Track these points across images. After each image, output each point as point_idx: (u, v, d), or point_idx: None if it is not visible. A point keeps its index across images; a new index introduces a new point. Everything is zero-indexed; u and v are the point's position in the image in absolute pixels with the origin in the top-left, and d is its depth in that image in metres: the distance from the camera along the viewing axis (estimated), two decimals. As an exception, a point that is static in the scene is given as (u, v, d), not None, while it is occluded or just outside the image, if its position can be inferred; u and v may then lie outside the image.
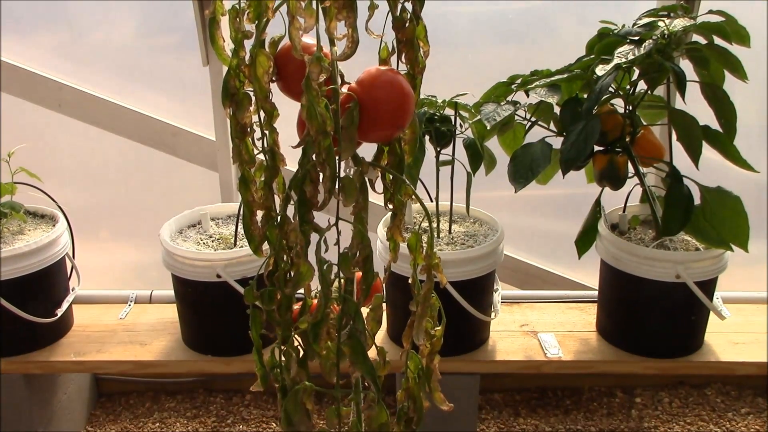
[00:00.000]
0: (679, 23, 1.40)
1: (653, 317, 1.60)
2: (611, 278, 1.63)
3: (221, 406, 2.12)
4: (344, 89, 0.85)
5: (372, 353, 0.89)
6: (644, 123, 1.60)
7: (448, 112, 1.57)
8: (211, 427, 2.04)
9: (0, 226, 1.68)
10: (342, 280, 0.87)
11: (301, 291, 0.92)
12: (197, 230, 1.74)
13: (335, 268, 0.87)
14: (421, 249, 0.95)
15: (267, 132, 0.89)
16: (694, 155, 1.42)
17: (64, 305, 1.71)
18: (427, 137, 1.55)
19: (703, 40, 1.46)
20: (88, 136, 2.08)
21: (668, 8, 1.48)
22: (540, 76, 1.54)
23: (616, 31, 1.47)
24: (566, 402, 2.11)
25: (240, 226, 1.70)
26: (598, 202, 1.66)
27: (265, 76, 0.85)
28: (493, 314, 1.66)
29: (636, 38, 1.43)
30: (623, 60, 1.38)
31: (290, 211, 0.87)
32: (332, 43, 0.81)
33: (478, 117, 1.50)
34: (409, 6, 0.87)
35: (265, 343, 0.98)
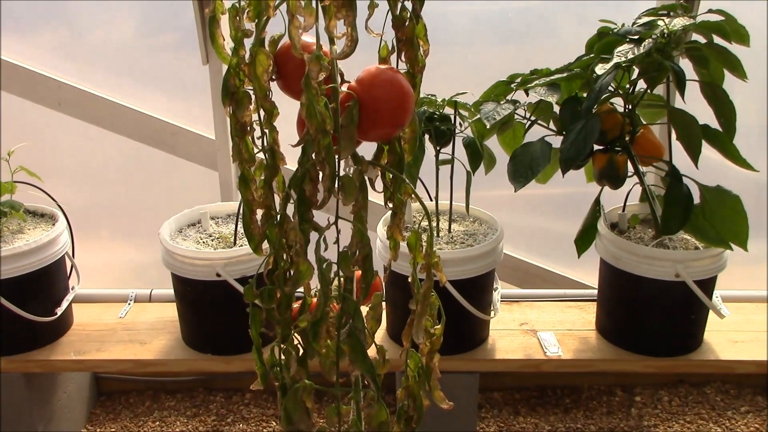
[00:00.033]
0: (679, 22, 1.40)
1: (653, 316, 1.60)
2: (611, 277, 1.64)
3: (221, 405, 2.12)
4: (344, 88, 0.85)
5: (371, 352, 0.90)
6: (644, 122, 1.60)
7: (448, 111, 1.57)
8: (211, 426, 2.04)
9: (0, 224, 1.68)
10: (341, 279, 0.88)
11: (301, 289, 0.92)
12: (197, 229, 1.74)
13: (335, 267, 0.87)
14: (420, 248, 0.96)
15: (267, 131, 0.89)
16: (694, 154, 1.42)
17: (64, 304, 1.71)
18: (426, 136, 1.55)
19: (702, 39, 1.46)
20: (87, 135, 2.08)
21: (668, 7, 1.48)
22: (539, 75, 1.54)
23: (615, 30, 1.47)
24: (566, 401, 2.12)
25: (240, 225, 1.70)
26: (597, 201, 1.67)
27: (265, 75, 0.85)
28: (492, 313, 1.66)
29: (635, 37, 1.43)
30: (623, 59, 1.38)
31: (290, 209, 0.87)
32: (332, 42, 0.81)
33: (478, 116, 1.50)
34: (408, 5, 0.87)
35: (265, 342, 0.98)
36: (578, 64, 1.51)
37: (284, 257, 0.89)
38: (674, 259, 1.51)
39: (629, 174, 1.53)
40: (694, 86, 1.43)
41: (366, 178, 0.86)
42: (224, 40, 0.90)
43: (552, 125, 1.57)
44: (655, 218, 1.56)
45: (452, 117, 1.57)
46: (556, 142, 1.50)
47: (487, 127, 1.47)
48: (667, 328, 1.61)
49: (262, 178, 0.91)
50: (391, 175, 0.92)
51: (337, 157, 0.82)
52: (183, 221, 1.75)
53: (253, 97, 0.88)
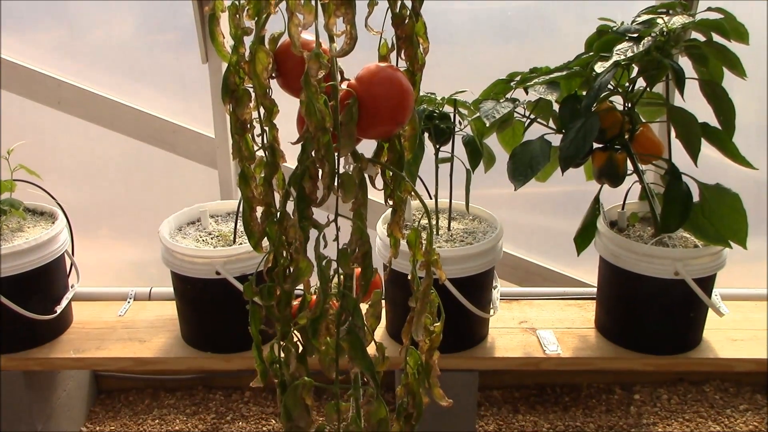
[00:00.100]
0: (678, 20, 1.40)
1: (652, 314, 1.60)
2: (610, 275, 1.64)
3: (220, 403, 2.12)
4: (343, 86, 0.85)
5: (371, 349, 0.90)
6: (643, 120, 1.60)
7: (448, 109, 1.57)
8: (211, 424, 2.04)
9: (0, 223, 1.68)
10: (341, 276, 0.88)
11: (301, 287, 0.92)
12: (196, 227, 1.74)
13: (334, 264, 0.87)
14: (420, 245, 0.96)
15: (267, 128, 0.89)
16: (693, 152, 1.42)
17: (64, 302, 1.71)
18: (426, 134, 1.56)
19: (701, 38, 1.46)
20: (87, 134, 2.08)
21: (667, 5, 1.48)
22: (539, 74, 1.54)
23: (615, 29, 1.47)
24: (565, 399, 2.12)
25: (239, 223, 1.71)
26: (597, 200, 1.67)
27: (265, 73, 0.85)
28: (492, 311, 1.66)
29: (635, 35, 1.43)
30: (622, 57, 1.38)
31: (290, 207, 0.87)
32: (331, 40, 0.81)
33: (477, 114, 1.50)
34: (408, 3, 0.87)
35: (265, 340, 0.98)
36: (578, 62, 1.51)
37: (284, 254, 0.89)
38: (673, 257, 1.52)
39: (628, 172, 1.53)
40: (694, 84, 1.43)
41: (366, 175, 0.86)
42: (224, 38, 0.90)
43: (551, 123, 1.57)
44: (654, 216, 1.56)
45: (452, 115, 1.57)
46: (556, 140, 1.50)
47: (487, 125, 1.47)
48: (666, 326, 1.61)
49: (262, 175, 0.91)
50: (391, 173, 0.92)
51: (336, 154, 0.82)
52: (183, 219, 1.75)
53: (252, 94, 0.88)
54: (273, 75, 0.88)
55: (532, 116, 1.57)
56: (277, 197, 0.91)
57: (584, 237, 1.68)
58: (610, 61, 1.39)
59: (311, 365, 0.92)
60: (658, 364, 1.63)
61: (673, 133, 1.48)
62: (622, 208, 1.70)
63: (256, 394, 2.15)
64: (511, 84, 1.55)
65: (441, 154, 1.59)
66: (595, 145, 1.50)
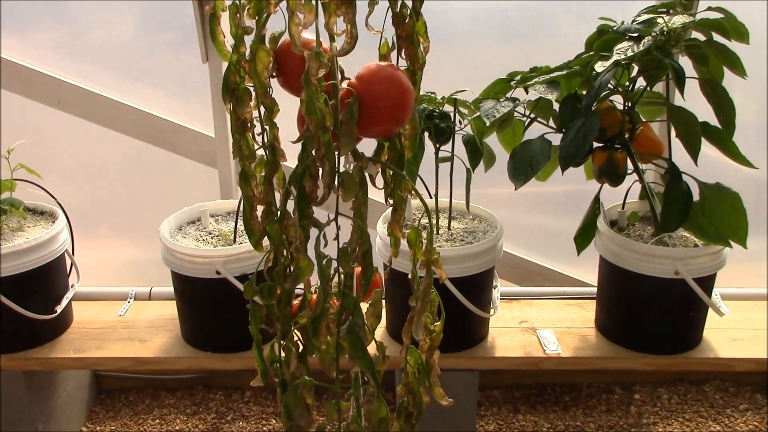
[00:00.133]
0: (678, 20, 1.40)
1: (652, 314, 1.60)
2: (610, 275, 1.64)
3: (221, 403, 2.12)
4: (344, 85, 0.85)
5: (371, 348, 0.90)
6: (643, 119, 1.60)
7: (448, 108, 1.57)
8: (211, 424, 2.04)
9: (0, 222, 1.68)
10: (341, 275, 0.88)
11: (301, 286, 0.92)
12: (197, 227, 1.74)
13: (335, 263, 0.87)
14: (420, 244, 0.96)
15: (267, 127, 0.89)
16: (693, 152, 1.42)
17: (64, 302, 1.71)
18: (426, 134, 1.56)
19: (702, 37, 1.46)
20: (87, 134, 2.08)
21: (667, 5, 1.48)
22: (539, 73, 1.54)
23: (615, 28, 1.47)
24: (565, 398, 2.12)
25: (239, 222, 1.71)
26: (597, 199, 1.67)
27: (265, 72, 0.85)
28: (492, 311, 1.66)
29: (635, 35, 1.43)
30: (622, 57, 1.38)
31: (290, 206, 0.87)
32: (332, 39, 0.81)
33: (478, 113, 1.50)
34: (409, 2, 0.87)
35: (265, 339, 0.98)
36: (578, 61, 1.51)
37: (284, 253, 0.89)
38: (673, 257, 1.52)
39: (629, 171, 1.53)
40: (694, 84, 1.43)
41: (366, 174, 0.86)
42: (224, 37, 0.90)
43: (552, 123, 1.57)
44: (654, 215, 1.56)
45: (452, 115, 1.57)
46: (556, 139, 1.50)
47: (487, 124, 1.47)
48: (666, 325, 1.61)
49: (263, 174, 0.91)
50: (391, 172, 0.92)
51: (336, 153, 0.82)
52: (183, 219, 1.75)
53: (253, 93, 0.88)
54: (273, 74, 0.88)
55: (532, 115, 1.57)
56: (278, 196, 0.91)
57: (584, 236, 1.68)
58: (611, 61, 1.39)
59: (312, 364, 0.92)
60: (659, 364, 1.64)
61: (673, 133, 1.48)
62: (622, 208, 1.70)
63: (257, 394, 2.15)
64: (511, 83, 1.56)
65: (441, 154, 1.59)
66: (595, 145, 1.50)
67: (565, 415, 2.05)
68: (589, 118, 1.43)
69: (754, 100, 1.94)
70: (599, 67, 1.41)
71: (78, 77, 2.02)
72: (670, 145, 1.55)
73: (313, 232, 0.86)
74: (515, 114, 1.55)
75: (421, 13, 0.88)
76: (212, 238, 1.68)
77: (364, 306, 0.90)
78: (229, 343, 1.66)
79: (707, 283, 1.57)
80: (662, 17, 1.43)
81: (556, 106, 1.53)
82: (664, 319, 1.60)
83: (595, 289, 1.75)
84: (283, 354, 0.93)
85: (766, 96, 1.92)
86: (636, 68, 1.48)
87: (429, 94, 1.57)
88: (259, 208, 0.94)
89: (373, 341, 0.92)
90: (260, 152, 0.92)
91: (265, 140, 0.90)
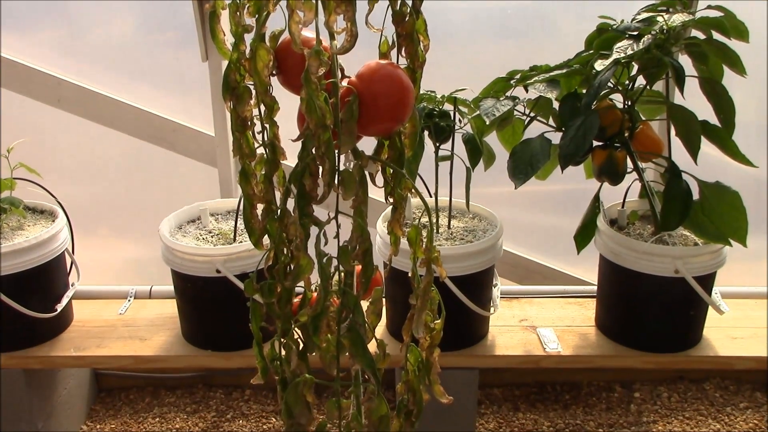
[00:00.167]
0: (678, 18, 1.40)
1: (652, 312, 1.60)
2: (610, 273, 1.64)
3: (221, 401, 2.12)
4: (344, 83, 0.86)
5: (372, 346, 0.90)
6: (643, 118, 1.60)
7: (447, 107, 1.57)
8: (211, 422, 2.04)
9: (0, 221, 1.68)
10: (342, 274, 0.88)
11: (301, 284, 0.92)
12: (196, 226, 1.74)
13: (335, 261, 0.88)
14: (420, 243, 0.96)
15: (267, 125, 0.89)
16: (693, 150, 1.42)
17: (64, 300, 1.71)
18: (426, 132, 1.56)
19: (701, 36, 1.46)
20: (87, 133, 2.08)
21: (667, 3, 1.48)
22: (539, 72, 1.54)
23: (614, 27, 1.47)
24: (565, 397, 2.12)
25: (239, 221, 1.71)
26: (597, 198, 1.67)
27: (266, 70, 0.85)
28: (492, 309, 1.66)
29: (635, 33, 1.43)
30: (622, 55, 1.38)
31: (290, 204, 0.87)
32: (332, 37, 0.81)
33: (477, 112, 1.50)
34: (409, 0, 0.87)
35: (265, 337, 0.98)
36: (577, 60, 1.51)
37: (284, 252, 0.89)
38: (673, 255, 1.52)
39: (628, 170, 1.53)
40: (694, 82, 1.43)
41: (366, 172, 0.86)
42: (224, 35, 0.90)
43: (551, 121, 1.57)
44: (654, 214, 1.56)
45: (452, 113, 1.57)
46: (556, 138, 1.50)
47: (487, 123, 1.47)
48: (666, 324, 1.61)
49: (263, 172, 0.91)
50: (391, 170, 0.92)
51: (337, 151, 0.82)
52: (183, 218, 1.75)
53: (253, 92, 0.88)
54: (274, 72, 0.88)
55: (532, 114, 1.57)
56: (278, 194, 0.91)
57: (584, 235, 1.68)
58: (610, 59, 1.39)
59: (312, 362, 0.92)
60: (658, 362, 1.64)
61: (673, 131, 1.48)
62: (622, 206, 1.70)
63: (257, 393, 2.15)
64: (511, 82, 1.56)
65: (441, 152, 1.59)
66: (595, 143, 1.50)
67: (565, 413, 2.05)
68: (588, 117, 1.43)
69: (754, 99, 1.94)
70: (599, 65, 1.41)
71: (78, 76, 2.02)
72: (670, 144, 1.55)
73: (314, 230, 0.86)
74: (515, 113, 1.55)
75: (421, 12, 0.88)
76: (212, 236, 1.68)
77: (364, 304, 0.90)
78: (229, 341, 1.66)
79: (707, 281, 1.57)
80: (662, 16, 1.43)
81: (555, 104, 1.53)
82: (664, 317, 1.61)
83: (595, 288, 1.75)
84: (283, 352, 0.94)
85: (766, 95, 1.92)
86: (636, 67, 1.49)
87: (429, 92, 1.57)
88: (260, 207, 0.94)
89: (374, 339, 0.92)
90: (260, 150, 0.92)
91: (266, 138, 0.90)
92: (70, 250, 1.78)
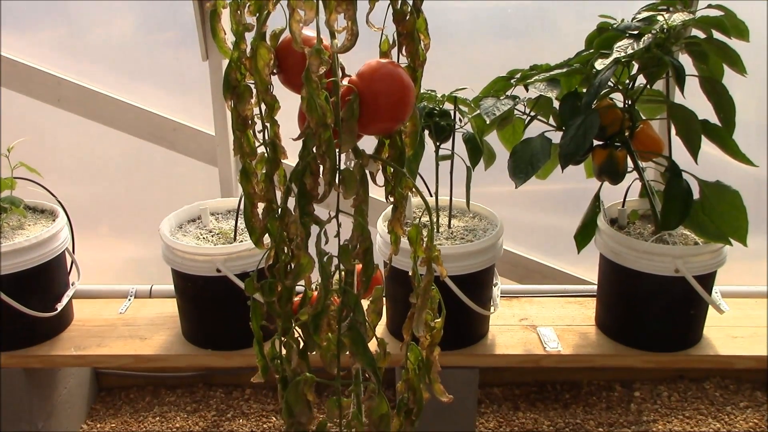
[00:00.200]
0: (678, 17, 1.40)
1: (652, 311, 1.60)
2: (610, 272, 1.64)
3: (221, 401, 2.12)
4: (345, 82, 0.86)
5: (372, 345, 0.90)
6: (643, 117, 1.60)
7: (448, 106, 1.57)
8: (211, 422, 2.04)
9: (0, 221, 1.68)
10: (342, 272, 0.88)
11: (302, 283, 0.92)
12: (197, 225, 1.74)
13: (335, 260, 0.88)
14: (421, 242, 0.96)
15: (268, 124, 0.89)
16: (693, 149, 1.42)
17: (64, 300, 1.71)
18: (426, 132, 1.56)
19: (702, 35, 1.46)
20: (87, 132, 2.08)
21: (667, 2, 1.48)
22: (539, 71, 1.54)
23: (615, 26, 1.47)
24: (565, 396, 2.12)
25: (240, 220, 1.71)
26: (597, 197, 1.67)
27: (266, 69, 0.85)
28: (492, 308, 1.66)
29: (635, 32, 1.43)
30: (622, 54, 1.38)
31: (291, 203, 0.87)
32: (332, 36, 0.81)
33: (478, 111, 1.50)
34: (409, -1, 0.87)
35: (266, 336, 0.98)
36: (578, 59, 1.51)
37: (285, 250, 0.89)
38: (674, 255, 1.52)
39: (629, 169, 1.53)
40: (694, 81, 1.43)
41: (367, 171, 0.86)
42: (225, 34, 0.90)
43: (552, 121, 1.57)
44: (654, 214, 1.56)
45: (452, 113, 1.57)
46: (556, 137, 1.50)
47: (487, 122, 1.47)
48: (666, 323, 1.62)
49: (264, 171, 0.91)
50: (392, 169, 0.92)
51: (337, 150, 0.82)
52: (183, 217, 1.75)
53: (254, 90, 0.88)
54: (274, 71, 0.88)
55: (533, 113, 1.57)
56: (279, 193, 0.91)
57: (584, 234, 1.68)
58: (611, 58, 1.39)
59: (312, 361, 0.92)
60: (659, 361, 1.64)
61: (673, 131, 1.48)
62: (623, 206, 1.70)
63: (257, 392, 2.16)
64: (512, 81, 1.55)
65: (441, 152, 1.59)
66: (596, 143, 1.50)
67: (565, 412, 2.05)
68: (589, 116, 1.43)
69: (754, 98, 1.94)
70: (599, 64, 1.41)
71: (78, 76, 2.02)
72: (670, 143, 1.55)
73: (314, 229, 0.86)
74: (515, 112, 1.55)
75: (421, 10, 0.88)
76: (212, 236, 1.68)
77: (364, 303, 0.90)
78: (229, 340, 1.66)
79: (707, 280, 1.57)
80: (662, 15, 1.43)
81: (556, 104, 1.53)
82: (665, 316, 1.61)
83: (596, 287, 1.75)
84: (284, 351, 0.94)
85: (767, 94, 1.92)
86: (636, 66, 1.49)
87: (429, 92, 1.57)
88: (260, 206, 0.94)
89: (374, 338, 0.92)
90: (261, 149, 0.92)
91: (266, 137, 0.90)
92: (71, 250, 1.78)
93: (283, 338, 0.92)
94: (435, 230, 1.65)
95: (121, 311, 1.86)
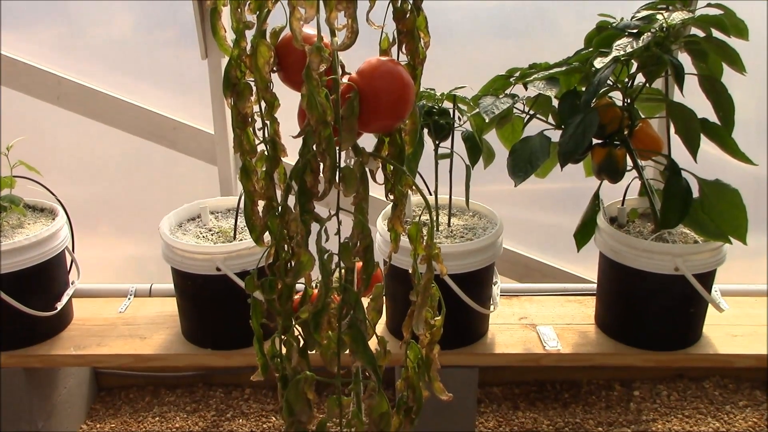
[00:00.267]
0: (678, 16, 1.40)
1: (652, 310, 1.60)
2: (610, 271, 1.64)
3: (221, 400, 2.12)
4: (345, 79, 0.86)
5: (372, 343, 0.90)
6: (642, 116, 1.60)
7: (447, 105, 1.57)
8: (211, 421, 2.04)
9: (0, 219, 1.68)
10: (342, 270, 0.88)
11: (302, 281, 0.92)
12: (197, 224, 1.74)
13: (336, 258, 0.88)
14: (421, 239, 0.96)
15: (268, 122, 0.89)
16: (693, 148, 1.42)
17: (64, 299, 1.71)
18: (425, 130, 1.56)
19: (701, 33, 1.46)
20: (87, 131, 2.08)
21: (666, 1, 1.49)
22: (538, 69, 1.54)
23: (614, 24, 1.48)
24: (565, 395, 2.12)
25: (239, 219, 1.71)
26: (596, 195, 1.67)
27: (266, 67, 0.85)
28: (492, 307, 1.66)
29: (634, 31, 1.43)
30: (621, 53, 1.39)
31: (291, 201, 0.87)
32: (333, 34, 0.81)
33: (477, 110, 1.50)
34: (410, -3, 0.87)
35: (266, 335, 0.98)
36: (577, 58, 1.51)
37: (285, 248, 0.89)
38: (673, 253, 1.52)
39: (628, 168, 1.54)
40: (693, 80, 1.44)
41: (367, 169, 0.86)
42: (225, 32, 0.90)
43: (551, 119, 1.58)
44: (654, 212, 1.56)
45: (451, 111, 1.57)
46: (555, 136, 1.50)
47: (486, 121, 1.47)
48: (666, 322, 1.62)
49: (264, 169, 0.91)
50: (391, 167, 0.92)
51: (337, 148, 0.82)
52: (183, 216, 1.75)
53: (254, 88, 0.88)
54: (274, 69, 0.88)
55: (532, 112, 1.57)
56: (279, 191, 0.91)
57: (584, 233, 1.68)
58: (610, 57, 1.39)
59: (313, 360, 0.92)
60: (658, 360, 1.64)
61: (672, 129, 1.48)
62: (622, 204, 1.70)
63: (257, 391, 2.16)
64: (511, 80, 1.56)
65: (440, 150, 1.59)
66: (595, 141, 1.50)
67: (565, 411, 2.05)
68: (588, 115, 1.43)
69: (754, 97, 1.94)
70: (598, 63, 1.41)
71: (78, 74, 2.02)
72: (670, 142, 1.55)
73: (314, 227, 0.86)
74: (514, 110, 1.56)
75: (421, 8, 0.88)
76: (212, 234, 1.68)
77: (365, 301, 0.90)
78: (229, 340, 1.66)
79: (707, 279, 1.57)
80: (661, 13, 1.43)
81: (555, 102, 1.53)
82: (664, 315, 1.61)
83: (595, 286, 1.75)
84: (284, 349, 0.94)
85: (766, 93, 1.92)
86: (635, 64, 1.49)
87: (428, 90, 1.57)
88: (260, 204, 0.94)
89: (375, 336, 0.92)
90: (261, 147, 0.92)
91: (266, 135, 0.90)
92: (70, 249, 1.78)
93: (283, 336, 0.92)
94: (435, 228, 1.65)
95: (121, 310, 1.86)
